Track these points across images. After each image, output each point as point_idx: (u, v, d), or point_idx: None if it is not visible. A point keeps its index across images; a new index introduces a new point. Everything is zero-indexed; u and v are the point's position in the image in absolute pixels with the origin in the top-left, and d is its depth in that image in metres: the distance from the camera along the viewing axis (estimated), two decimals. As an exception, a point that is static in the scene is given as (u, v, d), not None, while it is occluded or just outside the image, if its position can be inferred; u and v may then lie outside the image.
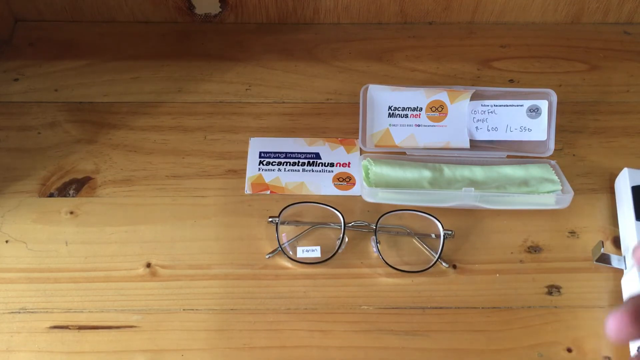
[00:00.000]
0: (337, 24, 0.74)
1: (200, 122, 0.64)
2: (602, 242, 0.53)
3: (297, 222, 0.57)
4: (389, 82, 0.67)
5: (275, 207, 0.57)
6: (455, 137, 0.61)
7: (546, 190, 0.57)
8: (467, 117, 0.61)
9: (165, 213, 0.57)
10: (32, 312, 0.51)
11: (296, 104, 0.66)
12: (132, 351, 0.49)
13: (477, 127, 0.61)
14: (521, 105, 0.61)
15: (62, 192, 0.59)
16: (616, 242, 0.56)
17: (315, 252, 0.54)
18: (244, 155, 0.62)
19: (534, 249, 0.56)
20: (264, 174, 0.60)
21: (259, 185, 0.59)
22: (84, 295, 0.52)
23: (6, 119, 0.64)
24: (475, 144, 0.61)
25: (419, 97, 0.61)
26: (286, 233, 0.56)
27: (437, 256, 0.54)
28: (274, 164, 0.61)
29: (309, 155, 0.62)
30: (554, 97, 0.60)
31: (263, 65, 0.69)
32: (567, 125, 0.65)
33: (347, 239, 0.55)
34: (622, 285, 0.52)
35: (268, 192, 0.59)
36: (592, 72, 0.70)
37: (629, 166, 0.57)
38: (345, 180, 0.60)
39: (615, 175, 0.59)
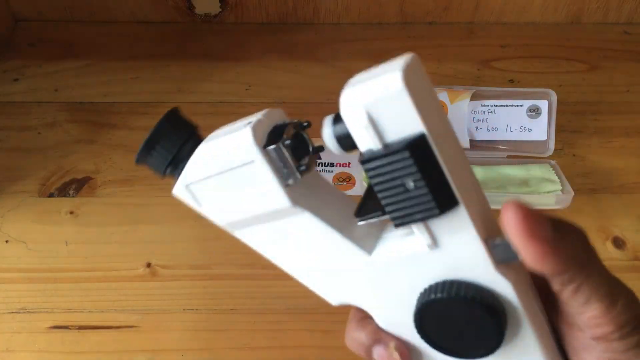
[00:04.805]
0: (337, 24, 0.74)
1: (200, 122, 0.64)
2: None
3: (297, 222, 0.57)
4: (389, 82, 0.67)
5: (275, 207, 0.57)
6: (455, 137, 0.61)
7: (546, 191, 0.57)
8: (467, 117, 0.61)
9: (165, 213, 0.57)
10: (32, 312, 0.51)
11: (296, 104, 0.66)
12: (132, 351, 0.49)
13: (477, 127, 0.61)
14: (521, 105, 0.61)
15: (62, 192, 0.59)
16: (616, 242, 0.56)
17: (315, 252, 0.54)
18: (244, 155, 0.62)
19: (534, 249, 0.56)
20: (264, 174, 0.60)
21: (259, 185, 0.59)
22: (84, 295, 0.52)
23: (6, 119, 0.64)
24: (475, 144, 0.61)
25: (419, 97, 0.61)
26: (286, 233, 0.56)
27: (437, 256, 0.54)
28: (274, 164, 0.61)
29: (309, 155, 0.62)
30: (554, 97, 0.60)
31: (263, 65, 0.69)
32: (567, 125, 0.65)
33: (347, 239, 0.55)
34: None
35: (268, 192, 0.59)
36: (592, 72, 0.70)
37: (629, 166, 0.57)
38: (345, 180, 0.60)
39: (616, 175, 0.59)
